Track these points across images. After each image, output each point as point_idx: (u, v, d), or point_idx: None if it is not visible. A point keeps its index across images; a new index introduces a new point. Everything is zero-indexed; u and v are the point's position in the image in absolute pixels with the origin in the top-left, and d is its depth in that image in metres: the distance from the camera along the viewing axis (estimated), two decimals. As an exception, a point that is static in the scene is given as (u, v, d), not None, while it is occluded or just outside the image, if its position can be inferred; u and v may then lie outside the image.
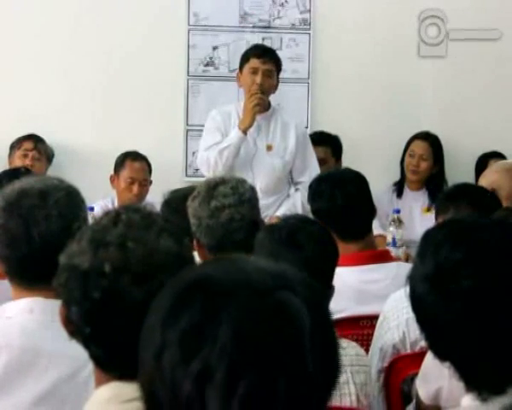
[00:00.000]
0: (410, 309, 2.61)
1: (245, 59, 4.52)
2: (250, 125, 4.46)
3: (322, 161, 5.05)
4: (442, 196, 3.08)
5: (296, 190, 4.64)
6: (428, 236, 1.63)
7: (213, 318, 0.99)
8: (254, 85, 4.44)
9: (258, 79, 4.44)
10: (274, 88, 4.55)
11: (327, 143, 5.17)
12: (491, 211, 2.89)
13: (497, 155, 5.15)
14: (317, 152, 5.06)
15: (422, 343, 2.61)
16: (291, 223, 2.39)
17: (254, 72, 4.46)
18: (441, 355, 1.56)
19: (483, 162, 5.20)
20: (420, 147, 5.09)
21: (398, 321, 2.71)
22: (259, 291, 1.01)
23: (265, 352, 0.98)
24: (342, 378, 2.17)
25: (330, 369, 1.06)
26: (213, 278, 1.03)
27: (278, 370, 0.98)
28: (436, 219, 2.97)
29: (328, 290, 2.31)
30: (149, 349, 1.04)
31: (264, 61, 4.46)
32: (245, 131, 4.45)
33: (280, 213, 4.47)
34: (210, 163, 4.45)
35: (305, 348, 1.00)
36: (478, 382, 1.50)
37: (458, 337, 1.50)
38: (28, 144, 5.01)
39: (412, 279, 1.59)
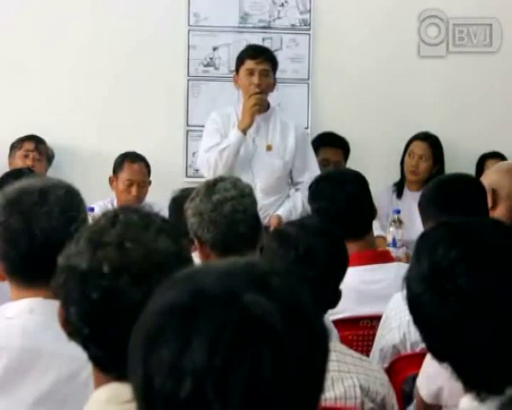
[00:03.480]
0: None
1: (240, 61, 4.54)
2: (249, 126, 4.47)
3: (337, 163, 5.07)
4: (431, 201, 3.06)
5: (296, 190, 4.65)
6: (424, 236, 1.63)
7: (187, 344, 1.00)
8: (252, 86, 4.45)
9: (256, 79, 4.45)
10: (271, 87, 4.56)
11: (340, 146, 5.18)
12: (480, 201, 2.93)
13: (497, 156, 5.15)
14: (332, 154, 5.09)
15: (423, 345, 2.61)
16: (306, 237, 2.30)
17: (251, 73, 4.47)
18: (439, 356, 1.56)
19: (483, 163, 5.20)
20: (419, 147, 5.09)
21: (399, 322, 2.71)
22: (223, 303, 1.02)
23: (239, 363, 0.99)
24: (348, 382, 2.16)
25: (312, 358, 1.05)
26: (178, 306, 1.04)
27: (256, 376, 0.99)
28: (426, 222, 2.97)
29: (335, 295, 2.32)
30: (135, 379, 1.05)
31: (259, 62, 4.48)
32: (244, 132, 4.46)
33: (280, 212, 4.48)
34: (210, 164, 4.46)
35: (273, 348, 1.00)
36: (476, 382, 1.50)
37: (455, 337, 1.50)
38: (29, 145, 5.01)
39: (408, 280, 1.59)
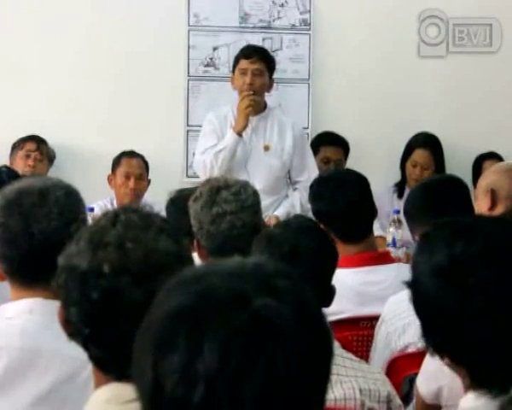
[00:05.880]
0: (408, 314, 2.63)
1: (235, 61, 4.57)
2: (244, 127, 4.47)
3: (338, 162, 5.08)
4: (417, 206, 3.09)
5: (294, 189, 4.65)
6: (434, 232, 1.61)
7: (199, 349, 1.00)
8: (245, 86, 4.46)
9: (248, 79, 4.46)
10: (266, 87, 4.56)
11: (340, 144, 5.18)
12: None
13: (494, 156, 5.15)
14: (333, 153, 5.11)
15: (412, 348, 2.62)
16: (290, 235, 2.32)
17: (244, 72, 4.48)
18: (444, 351, 1.54)
19: (480, 163, 5.20)
20: (421, 156, 5.06)
21: (395, 326, 2.72)
22: (234, 307, 1.01)
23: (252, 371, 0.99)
24: (347, 385, 2.16)
25: (321, 357, 1.06)
26: (188, 309, 1.03)
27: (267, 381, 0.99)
28: (413, 227, 2.99)
29: (327, 293, 2.32)
30: (143, 384, 1.05)
31: (252, 62, 4.48)
32: (239, 134, 4.46)
33: (279, 212, 4.48)
34: (206, 166, 4.47)
35: (285, 351, 1.00)
36: (489, 379, 1.49)
37: (474, 332, 1.49)
38: (30, 145, 5.02)
39: (419, 277, 1.57)
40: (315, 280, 2.18)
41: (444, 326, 1.54)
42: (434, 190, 3.10)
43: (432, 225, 1.67)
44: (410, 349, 2.67)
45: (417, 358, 2.41)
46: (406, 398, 2.65)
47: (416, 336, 1.99)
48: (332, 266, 2.37)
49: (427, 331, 1.57)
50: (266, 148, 4.58)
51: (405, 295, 2.26)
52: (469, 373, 1.52)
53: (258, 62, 4.49)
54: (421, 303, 1.58)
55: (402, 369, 2.68)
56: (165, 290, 1.09)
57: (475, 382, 1.52)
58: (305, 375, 1.02)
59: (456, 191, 3.07)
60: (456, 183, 3.20)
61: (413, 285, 1.59)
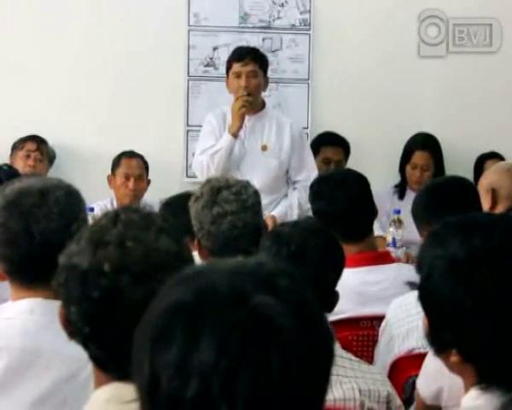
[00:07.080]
0: (412, 318, 2.62)
1: (228, 65, 4.58)
2: (239, 129, 4.48)
3: (338, 163, 5.08)
4: (424, 207, 3.10)
5: (294, 189, 4.64)
6: (446, 229, 1.61)
7: (195, 344, 1.00)
8: (240, 89, 4.46)
9: (243, 82, 4.47)
10: (262, 86, 4.57)
11: (341, 144, 5.19)
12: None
13: (496, 156, 5.14)
14: (333, 153, 5.11)
15: (420, 350, 2.63)
16: (299, 235, 2.32)
17: (238, 76, 4.49)
18: (456, 348, 1.53)
19: (481, 163, 5.20)
20: (421, 158, 5.05)
21: (399, 330, 2.71)
22: (232, 303, 1.01)
23: (248, 368, 0.98)
24: (346, 386, 2.16)
25: (319, 358, 1.05)
26: (186, 304, 1.03)
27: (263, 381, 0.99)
28: (421, 228, 3.00)
29: (332, 297, 2.31)
30: (141, 378, 1.05)
31: (245, 64, 4.49)
32: (234, 135, 4.46)
33: (276, 212, 4.48)
34: (203, 167, 4.49)
35: (281, 350, 0.99)
36: (498, 376, 1.48)
37: (486, 326, 1.48)
38: (31, 145, 5.02)
39: (431, 271, 1.55)
40: (319, 282, 2.19)
41: (456, 320, 1.53)
42: (443, 192, 3.10)
43: (440, 224, 1.66)
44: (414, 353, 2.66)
45: (419, 359, 2.41)
46: (409, 400, 2.64)
47: (420, 341, 1.98)
48: (338, 270, 2.37)
49: (437, 327, 1.56)
50: (264, 147, 4.58)
51: (410, 298, 2.25)
52: (477, 370, 1.52)
53: (251, 64, 4.50)
54: (432, 298, 1.56)
55: (405, 370, 2.68)
56: (166, 287, 1.09)
57: (483, 378, 1.51)
58: (302, 375, 1.01)
59: (464, 192, 3.06)
60: (465, 184, 3.19)
61: (424, 281, 1.58)
